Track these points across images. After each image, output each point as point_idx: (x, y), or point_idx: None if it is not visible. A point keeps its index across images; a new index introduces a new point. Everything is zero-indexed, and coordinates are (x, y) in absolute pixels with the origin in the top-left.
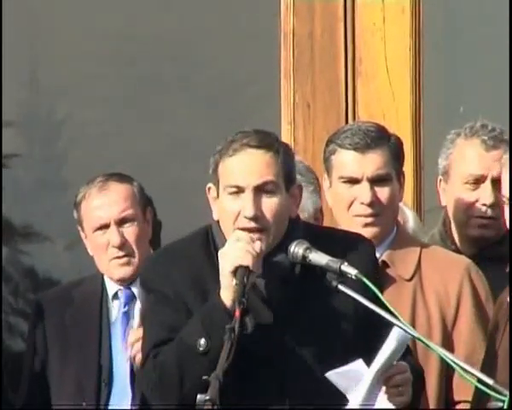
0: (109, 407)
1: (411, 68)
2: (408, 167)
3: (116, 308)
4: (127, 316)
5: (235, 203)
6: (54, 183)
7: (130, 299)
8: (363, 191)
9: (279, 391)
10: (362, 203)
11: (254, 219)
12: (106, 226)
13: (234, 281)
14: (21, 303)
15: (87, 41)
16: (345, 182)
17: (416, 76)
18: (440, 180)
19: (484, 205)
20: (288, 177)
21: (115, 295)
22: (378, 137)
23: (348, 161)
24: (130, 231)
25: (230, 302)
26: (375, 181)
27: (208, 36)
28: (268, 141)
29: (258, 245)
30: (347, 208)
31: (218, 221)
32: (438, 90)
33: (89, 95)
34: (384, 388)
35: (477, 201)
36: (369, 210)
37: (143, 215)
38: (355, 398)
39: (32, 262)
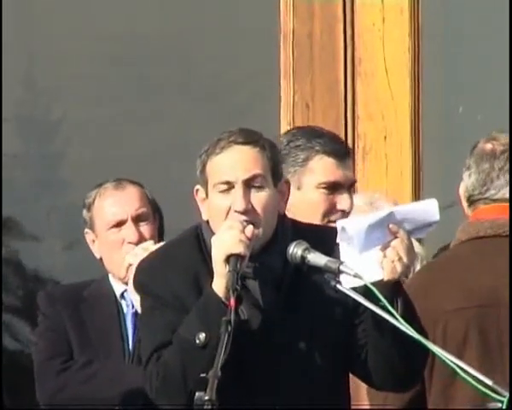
0: None
1: (410, 69)
2: (407, 167)
3: (124, 308)
4: (136, 315)
5: (225, 199)
6: (50, 182)
7: None
8: (344, 198)
9: (268, 395)
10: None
11: (245, 212)
12: (122, 223)
13: (227, 268)
14: (18, 303)
15: (84, 40)
16: (325, 188)
17: (415, 76)
18: None
19: None
20: (275, 172)
21: (121, 296)
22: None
23: (332, 167)
24: (145, 229)
25: (224, 291)
26: (349, 188)
27: (208, 36)
28: (254, 137)
29: (249, 229)
30: (325, 215)
31: (207, 221)
32: (437, 91)
33: (86, 94)
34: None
35: None
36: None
37: (154, 218)
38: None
39: (26, 261)
